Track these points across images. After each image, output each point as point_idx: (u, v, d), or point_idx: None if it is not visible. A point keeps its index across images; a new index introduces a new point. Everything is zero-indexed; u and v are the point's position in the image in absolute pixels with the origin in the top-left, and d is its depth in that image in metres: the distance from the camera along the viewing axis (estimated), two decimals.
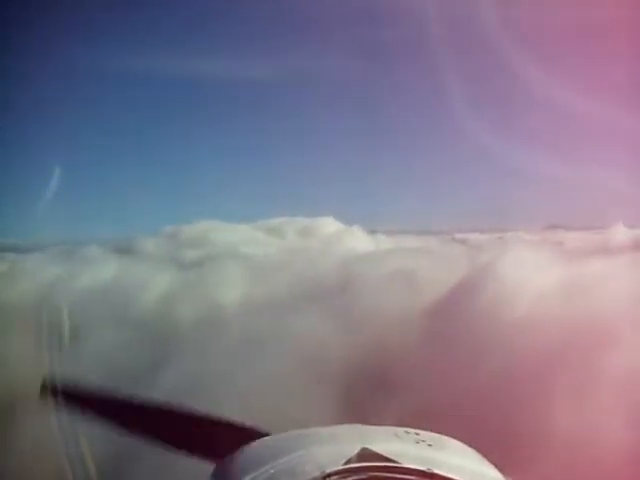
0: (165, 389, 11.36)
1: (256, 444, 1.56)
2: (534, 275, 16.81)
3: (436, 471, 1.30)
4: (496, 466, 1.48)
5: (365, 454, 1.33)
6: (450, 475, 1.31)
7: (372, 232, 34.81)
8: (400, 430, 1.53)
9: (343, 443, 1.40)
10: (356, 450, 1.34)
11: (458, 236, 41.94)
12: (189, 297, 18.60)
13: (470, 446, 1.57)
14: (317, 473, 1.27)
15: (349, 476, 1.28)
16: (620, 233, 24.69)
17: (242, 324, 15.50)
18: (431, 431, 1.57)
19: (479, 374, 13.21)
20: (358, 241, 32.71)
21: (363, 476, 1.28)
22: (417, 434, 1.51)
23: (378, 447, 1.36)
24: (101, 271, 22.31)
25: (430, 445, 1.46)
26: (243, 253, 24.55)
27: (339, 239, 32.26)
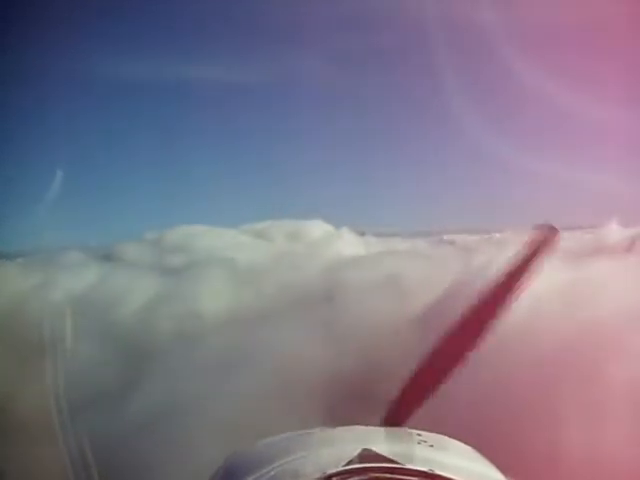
0: (137, 410, 10.37)
1: (257, 445, 1.53)
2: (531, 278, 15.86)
3: (438, 472, 1.26)
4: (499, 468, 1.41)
5: (366, 455, 1.29)
6: (452, 476, 1.28)
7: (361, 234, 34.08)
8: (402, 431, 1.51)
9: (344, 444, 1.37)
10: (357, 451, 1.30)
11: (446, 237, 41.64)
12: (169, 307, 17.56)
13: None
14: (318, 474, 1.24)
15: (350, 477, 1.24)
16: (614, 232, 23.91)
17: (222, 337, 14.50)
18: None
19: (474, 386, 12.31)
20: (347, 244, 31.83)
21: (364, 477, 1.25)
22: (419, 435, 1.48)
23: (380, 448, 1.32)
24: (79, 279, 21.25)
25: (432, 446, 1.42)
26: (228, 258, 23.48)
27: (328, 242, 31.32)
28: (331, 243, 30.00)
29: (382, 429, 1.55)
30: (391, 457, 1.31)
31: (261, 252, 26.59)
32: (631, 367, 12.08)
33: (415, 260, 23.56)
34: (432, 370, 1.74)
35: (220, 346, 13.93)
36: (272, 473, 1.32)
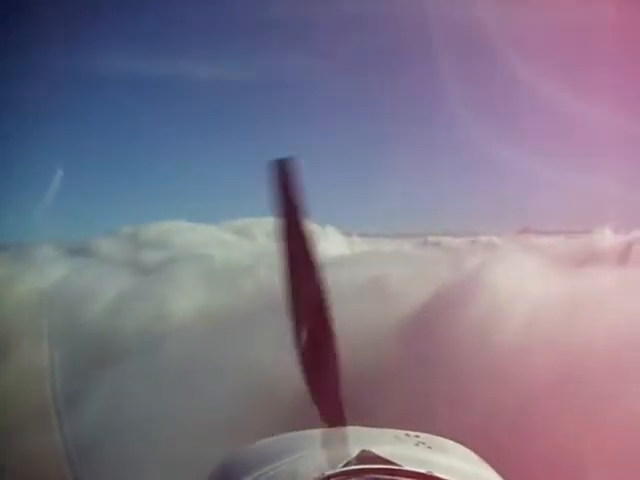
0: (78, 428, 8.96)
1: (255, 445, 1.50)
2: (524, 286, 14.72)
3: (436, 474, 1.25)
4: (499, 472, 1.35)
5: (365, 456, 1.29)
6: (450, 478, 1.25)
7: (346, 234, 32.93)
8: (400, 432, 1.49)
9: (343, 445, 1.33)
10: (356, 452, 1.29)
11: (431, 239, 41.06)
12: (139, 307, 16.06)
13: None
14: (316, 475, 1.23)
15: (348, 478, 1.23)
16: (607, 238, 22.83)
17: (189, 342, 13.09)
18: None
19: (464, 404, 11.13)
20: (331, 243, 30.57)
21: (362, 479, 1.23)
22: (417, 436, 1.47)
23: (378, 449, 1.31)
24: (46, 275, 19.71)
25: (430, 447, 1.42)
26: (206, 256, 22.06)
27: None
28: (315, 242, 28.81)
29: (381, 430, 1.53)
30: (389, 458, 1.28)
31: (243, 250, 25.21)
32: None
33: (401, 261, 22.39)
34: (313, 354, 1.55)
35: (185, 353, 12.50)
36: (270, 473, 1.29)
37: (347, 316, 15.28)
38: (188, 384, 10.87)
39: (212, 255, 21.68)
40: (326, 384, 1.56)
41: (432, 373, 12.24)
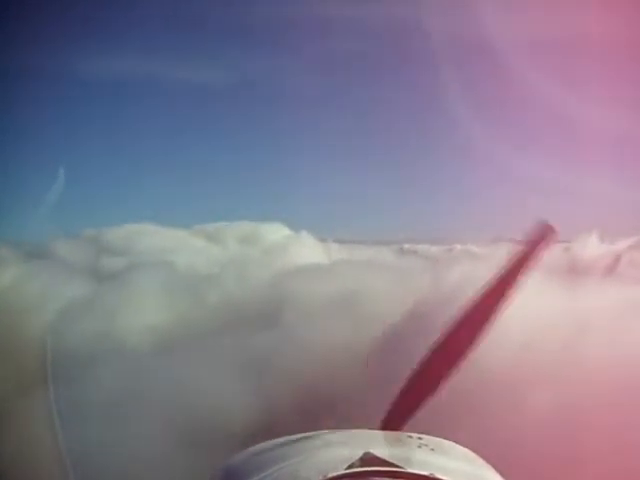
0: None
1: (257, 448, 1.44)
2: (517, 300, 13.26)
3: (439, 476, 1.22)
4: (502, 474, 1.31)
5: (368, 459, 1.25)
6: None
7: (322, 240, 31.50)
8: (403, 434, 1.43)
9: (345, 448, 1.30)
10: (359, 455, 1.25)
11: (407, 246, 40.36)
12: (85, 322, 14.14)
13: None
14: (319, 477, 1.20)
15: None
16: (593, 247, 21.62)
17: (133, 365, 11.36)
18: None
19: (452, 434, 9.65)
20: (306, 250, 29.07)
21: None
22: (419, 438, 1.42)
23: (381, 452, 1.27)
24: None
25: (433, 450, 1.37)
26: (169, 263, 20.25)
27: (285, 248, 28.44)
28: (288, 249, 27.13)
29: (383, 433, 1.45)
30: (392, 461, 1.26)
31: (211, 256, 23.50)
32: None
33: (378, 271, 20.97)
34: (429, 374, 1.56)
35: (123, 378, 10.68)
36: (274, 475, 1.27)
37: (318, 332, 13.85)
38: (120, 416, 9.11)
39: (175, 262, 19.91)
40: (416, 401, 1.54)
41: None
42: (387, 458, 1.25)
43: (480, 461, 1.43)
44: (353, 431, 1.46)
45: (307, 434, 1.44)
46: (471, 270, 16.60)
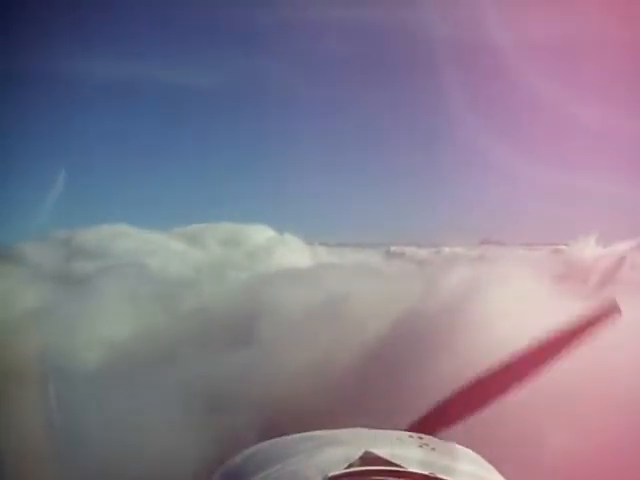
0: None
1: (257, 447, 1.40)
2: (516, 306, 12.00)
3: (439, 475, 1.19)
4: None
5: (368, 458, 1.21)
6: None
7: (309, 242, 30.25)
8: (404, 434, 1.38)
9: (346, 446, 1.26)
10: (359, 454, 1.21)
11: (394, 249, 39.65)
12: (42, 335, 12.50)
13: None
14: (319, 477, 1.16)
15: None
16: (589, 250, 20.50)
17: (96, 378, 9.77)
18: None
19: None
20: (290, 253, 27.75)
21: None
22: (421, 438, 1.38)
23: (381, 451, 1.23)
24: None
25: (433, 449, 1.33)
26: (143, 268, 18.72)
27: (268, 251, 27.05)
28: (271, 252, 25.76)
29: (384, 432, 1.40)
30: (393, 460, 1.22)
31: (189, 259, 21.99)
32: None
33: (366, 275, 19.63)
34: (476, 394, 1.55)
35: (87, 394, 8.99)
36: (274, 476, 1.24)
37: (297, 348, 12.43)
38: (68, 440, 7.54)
39: (148, 267, 18.38)
40: (453, 415, 1.55)
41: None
42: (388, 457, 1.22)
43: (482, 461, 1.38)
44: (353, 430, 1.38)
45: (306, 434, 1.37)
46: (466, 276, 15.32)
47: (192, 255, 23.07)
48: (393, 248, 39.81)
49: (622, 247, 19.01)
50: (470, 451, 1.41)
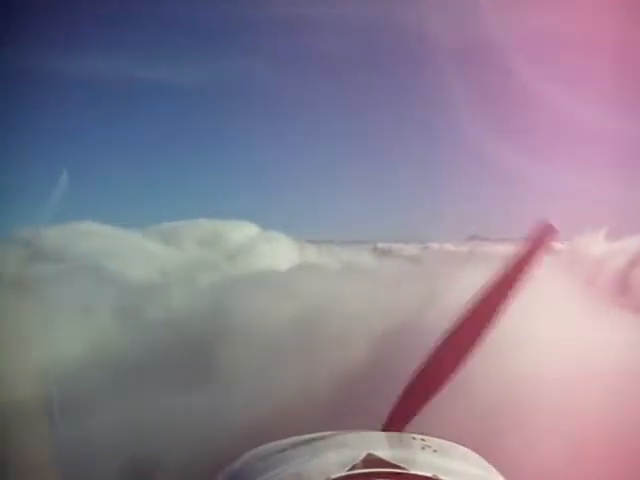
0: None
1: (259, 450, 1.38)
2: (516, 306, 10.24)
3: (442, 477, 1.20)
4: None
5: (370, 460, 1.23)
6: None
7: (296, 240, 28.34)
8: (406, 436, 1.39)
9: (348, 449, 1.27)
10: (361, 456, 1.23)
11: (381, 245, 38.44)
12: None
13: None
14: (322, 479, 1.17)
15: None
16: (595, 244, 18.88)
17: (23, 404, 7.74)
18: None
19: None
20: (273, 253, 25.71)
21: None
22: (423, 440, 1.38)
23: (384, 453, 1.25)
24: None
25: (436, 451, 1.34)
26: (109, 271, 16.62)
27: (249, 251, 25.01)
28: (252, 251, 23.78)
29: (386, 434, 1.41)
30: (395, 462, 1.24)
31: (157, 263, 19.84)
32: None
33: (355, 276, 17.75)
34: (431, 374, 1.52)
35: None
36: (276, 478, 1.23)
37: (270, 369, 10.52)
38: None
39: (112, 270, 16.28)
40: (417, 402, 1.50)
41: None
42: (390, 459, 1.24)
43: (484, 463, 1.38)
44: (355, 432, 1.38)
45: (308, 436, 1.36)
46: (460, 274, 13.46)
47: (163, 256, 20.96)
48: (380, 245, 38.49)
49: (630, 243, 17.41)
50: (471, 452, 1.38)
